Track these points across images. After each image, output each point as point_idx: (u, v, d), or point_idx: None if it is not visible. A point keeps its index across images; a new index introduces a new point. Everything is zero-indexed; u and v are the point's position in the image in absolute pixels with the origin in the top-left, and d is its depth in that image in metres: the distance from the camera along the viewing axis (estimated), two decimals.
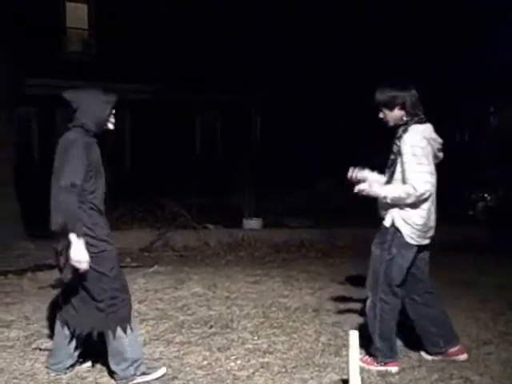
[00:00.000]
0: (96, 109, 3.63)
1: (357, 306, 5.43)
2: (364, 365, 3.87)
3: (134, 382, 3.62)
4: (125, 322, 3.63)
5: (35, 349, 4.29)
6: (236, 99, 16.09)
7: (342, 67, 14.51)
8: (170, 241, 8.99)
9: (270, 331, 4.74)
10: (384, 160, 3.95)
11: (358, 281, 6.28)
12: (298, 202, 12.09)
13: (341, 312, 5.24)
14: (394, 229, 3.80)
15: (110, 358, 3.65)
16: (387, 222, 3.84)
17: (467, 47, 13.83)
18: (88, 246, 3.47)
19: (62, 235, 3.44)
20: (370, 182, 3.85)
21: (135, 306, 5.47)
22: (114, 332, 3.58)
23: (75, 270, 3.50)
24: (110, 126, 3.76)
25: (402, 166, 3.75)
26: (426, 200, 3.76)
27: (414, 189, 3.67)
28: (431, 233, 3.92)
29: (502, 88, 13.11)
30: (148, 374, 3.69)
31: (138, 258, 8.18)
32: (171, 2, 15.09)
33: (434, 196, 3.88)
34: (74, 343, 3.76)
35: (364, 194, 3.82)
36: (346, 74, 14.25)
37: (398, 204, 3.76)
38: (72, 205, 3.40)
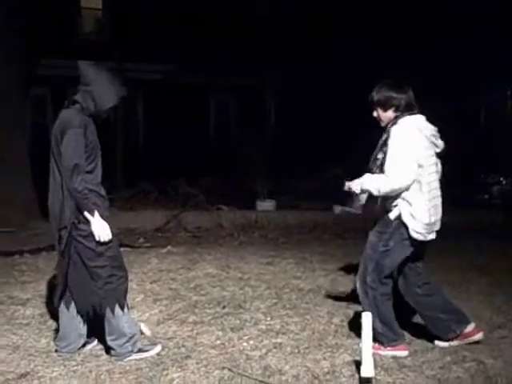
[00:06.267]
0: (105, 97, 3.60)
1: None
2: (372, 351, 3.87)
3: (131, 358, 3.67)
4: (122, 299, 3.70)
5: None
6: (250, 81, 15.98)
7: (360, 48, 14.31)
8: (183, 221, 9.03)
9: (283, 312, 4.75)
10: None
11: None
12: (312, 185, 12.05)
13: (353, 293, 5.23)
14: (399, 223, 3.74)
15: (107, 335, 3.72)
16: (392, 215, 3.77)
17: (484, 30, 13.60)
18: (86, 226, 3.53)
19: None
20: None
21: (148, 285, 5.54)
22: (113, 309, 3.64)
23: (69, 251, 3.56)
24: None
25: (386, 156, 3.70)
26: (426, 192, 3.70)
27: (391, 180, 3.63)
28: (437, 227, 3.84)
29: None
30: (145, 351, 3.76)
31: (152, 238, 8.23)
32: None
33: (437, 188, 3.82)
34: (82, 321, 3.79)
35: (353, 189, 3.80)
36: (364, 54, 14.05)
37: (405, 198, 3.69)
38: (80, 185, 3.45)
